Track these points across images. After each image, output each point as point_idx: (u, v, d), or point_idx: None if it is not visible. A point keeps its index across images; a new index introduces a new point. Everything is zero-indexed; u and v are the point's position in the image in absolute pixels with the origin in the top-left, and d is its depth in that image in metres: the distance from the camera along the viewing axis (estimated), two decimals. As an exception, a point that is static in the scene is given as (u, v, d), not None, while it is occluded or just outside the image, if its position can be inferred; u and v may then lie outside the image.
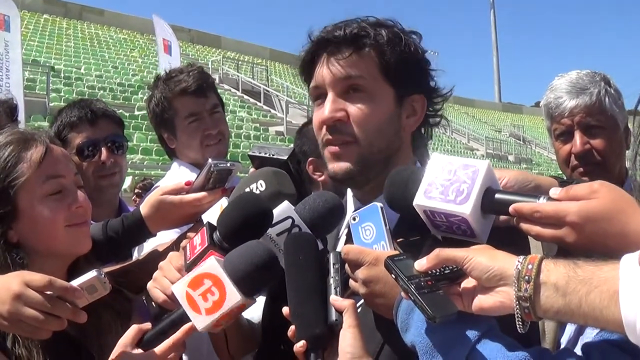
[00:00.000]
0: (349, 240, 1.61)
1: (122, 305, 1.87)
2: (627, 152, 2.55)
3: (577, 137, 2.40)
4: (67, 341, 1.70)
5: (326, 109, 1.57)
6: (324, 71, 1.59)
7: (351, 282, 1.42)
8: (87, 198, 1.82)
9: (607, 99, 2.39)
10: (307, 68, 1.65)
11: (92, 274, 1.48)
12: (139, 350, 1.46)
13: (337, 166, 1.59)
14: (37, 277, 1.44)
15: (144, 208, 2.06)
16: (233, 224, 1.54)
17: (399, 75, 1.58)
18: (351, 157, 1.57)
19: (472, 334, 1.17)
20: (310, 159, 2.67)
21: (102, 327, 1.77)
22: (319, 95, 1.62)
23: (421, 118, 1.65)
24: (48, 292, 1.43)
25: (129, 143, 3.05)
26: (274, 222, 1.54)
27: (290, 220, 1.54)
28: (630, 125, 2.54)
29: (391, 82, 1.58)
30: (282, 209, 1.55)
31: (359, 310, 1.44)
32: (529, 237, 1.30)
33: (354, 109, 1.56)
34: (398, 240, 1.37)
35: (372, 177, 1.60)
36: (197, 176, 2.03)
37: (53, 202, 1.72)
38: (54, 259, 1.76)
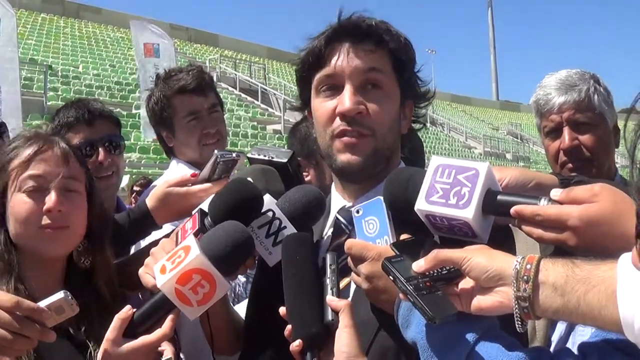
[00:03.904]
0: (335, 238, 1.63)
1: (119, 303, 1.87)
2: (616, 150, 2.56)
3: (566, 133, 2.42)
4: (68, 338, 1.71)
5: (347, 101, 1.54)
6: (344, 61, 1.56)
7: (354, 276, 1.43)
8: (75, 203, 1.80)
9: (596, 96, 2.41)
10: (317, 54, 1.60)
11: (59, 295, 1.49)
12: (127, 342, 1.46)
13: (352, 158, 1.56)
14: (5, 298, 1.46)
15: (150, 201, 2.08)
16: (224, 208, 1.56)
17: (406, 78, 1.62)
18: (366, 149, 1.56)
19: (472, 333, 1.18)
20: (297, 158, 2.71)
21: (102, 323, 1.78)
22: (331, 85, 1.59)
23: (409, 123, 1.70)
24: (17, 313, 1.44)
25: (126, 142, 3.05)
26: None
27: (271, 213, 1.57)
28: (620, 124, 2.55)
29: (400, 84, 1.61)
30: (264, 202, 1.58)
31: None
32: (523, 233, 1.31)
33: (373, 105, 1.56)
34: (393, 242, 1.37)
35: (376, 172, 1.60)
36: (204, 168, 2.06)
37: (27, 199, 1.74)
38: (40, 259, 1.77)
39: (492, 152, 40.77)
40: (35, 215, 1.74)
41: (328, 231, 1.68)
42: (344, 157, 1.57)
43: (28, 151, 1.77)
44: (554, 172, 2.47)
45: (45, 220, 1.74)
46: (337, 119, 1.57)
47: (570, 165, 2.43)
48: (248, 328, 1.77)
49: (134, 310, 1.49)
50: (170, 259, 1.46)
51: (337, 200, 1.69)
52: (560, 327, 1.49)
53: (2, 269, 1.70)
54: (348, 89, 1.55)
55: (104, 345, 1.46)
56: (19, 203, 1.74)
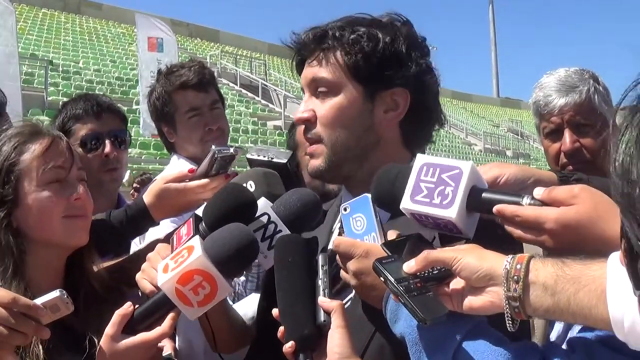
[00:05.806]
0: (340, 234, 1.64)
1: (118, 301, 1.89)
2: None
3: (567, 135, 2.41)
4: (69, 334, 1.73)
5: (299, 110, 1.66)
6: (303, 75, 1.68)
7: (343, 273, 1.44)
8: (89, 193, 1.84)
9: (596, 97, 2.39)
10: (298, 70, 1.73)
11: (55, 293, 1.50)
12: (126, 337, 1.47)
13: (310, 164, 1.66)
14: (3, 294, 1.47)
15: (148, 197, 2.08)
16: (217, 213, 1.56)
17: (368, 72, 1.59)
18: (320, 156, 1.64)
19: (460, 327, 1.19)
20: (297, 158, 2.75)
21: (103, 322, 1.80)
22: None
23: (404, 111, 1.62)
24: (13, 309, 1.46)
25: (126, 137, 3.06)
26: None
27: (266, 217, 1.56)
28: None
29: (359, 79, 1.59)
30: (259, 206, 1.58)
31: (348, 304, 1.46)
32: None
33: (321, 109, 1.62)
34: (384, 242, 1.37)
35: (346, 173, 1.64)
36: (202, 163, 2.06)
37: (52, 191, 1.76)
38: (50, 249, 1.79)
39: (493, 149, 40.75)
40: (61, 206, 1.76)
41: (336, 227, 1.71)
42: (308, 164, 1.69)
43: (38, 145, 1.78)
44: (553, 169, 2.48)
45: (70, 210, 1.77)
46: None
47: (571, 167, 2.41)
48: (260, 318, 1.80)
49: (135, 307, 1.50)
50: (174, 258, 1.45)
51: (345, 197, 1.69)
52: (558, 326, 1.49)
53: (7, 268, 1.71)
54: (304, 98, 1.67)
55: (103, 340, 1.48)
56: (42, 195, 1.75)
